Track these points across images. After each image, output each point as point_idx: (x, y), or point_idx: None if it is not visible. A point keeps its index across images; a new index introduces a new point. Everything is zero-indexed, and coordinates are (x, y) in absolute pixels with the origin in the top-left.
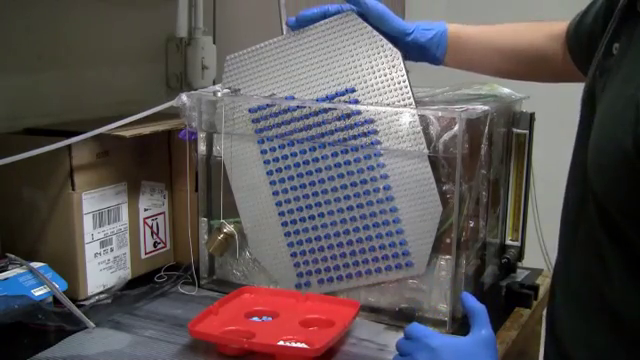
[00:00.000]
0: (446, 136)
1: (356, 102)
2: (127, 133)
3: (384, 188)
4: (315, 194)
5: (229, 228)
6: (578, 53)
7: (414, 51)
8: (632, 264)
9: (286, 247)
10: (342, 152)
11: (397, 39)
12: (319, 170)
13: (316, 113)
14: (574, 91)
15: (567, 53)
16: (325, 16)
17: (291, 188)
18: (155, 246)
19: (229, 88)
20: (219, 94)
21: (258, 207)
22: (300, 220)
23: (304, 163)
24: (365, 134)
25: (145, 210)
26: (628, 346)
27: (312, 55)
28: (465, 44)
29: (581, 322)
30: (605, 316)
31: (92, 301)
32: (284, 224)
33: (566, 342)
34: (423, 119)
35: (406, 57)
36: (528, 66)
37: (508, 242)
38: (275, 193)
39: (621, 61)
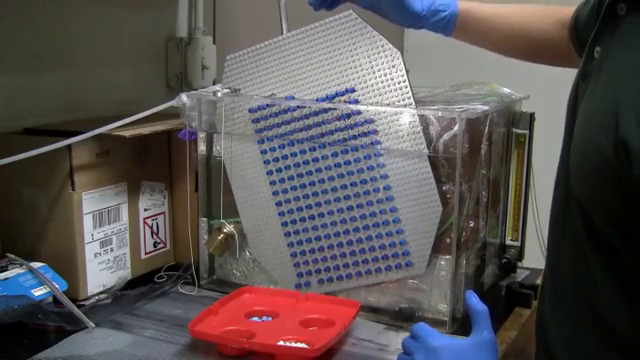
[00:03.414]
0: (446, 136)
1: (356, 102)
2: (127, 133)
3: (384, 188)
4: (315, 194)
5: (229, 228)
6: (577, 44)
7: (422, 27)
8: (617, 271)
9: (286, 247)
10: (342, 152)
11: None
12: (319, 170)
13: (316, 113)
14: None
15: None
16: None
17: (291, 188)
18: (155, 246)
19: (229, 88)
20: (219, 94)
21: (258, 207)
22: (300, 220)
23: (304, 163)
24: (365, 134)
25: (145, 210)
26: (614, 352)
27: (312, 55)
28: (474, 24)
29: (568, 327)
30: (591, 322)
31: (92, 301)
32: (284, 224)
33: (554, 346)
34: (423, 119)
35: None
36: (535, 49)
37: (508, 242)
38: (275, 193)
39: (602, 65)
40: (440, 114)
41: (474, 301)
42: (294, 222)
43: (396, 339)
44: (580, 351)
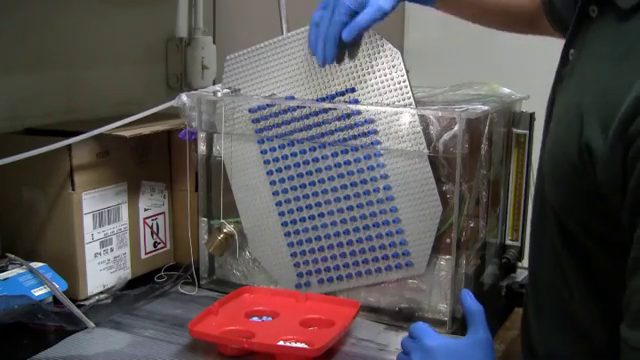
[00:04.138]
0: (446, 136)
1: (356, 102)
2: (127, 133)
3: (384, 188)
4: (315, 194)
5: (229, 228)
6: (551, 18)
7: None
8: (590, 275)
9: (286, 247)
10: (342, 152)
11: None
12: (319, 170)
13: (316, 113)
14: None
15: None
16: None
17: (291, 188)
18: (155, 246)
19: (229, 88)
20: (219, 94)
21: (258, 207)
22: (300, 220)
23: (304, 163)
24: (365, 134)
25: (145, 210)
26: (588, 355)
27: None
28: None
29: (547, 328)
30: (568, 324)
31: (92, 301)
32: (284, 224)
33: (536, 346)
34: (423, 119)
35: None
36: (513, 20)
37: (508, 242)
38: (275, 193)
39: (574, 68)
40: (440, 114)
41: (469, 301)
42: (294, 222)
43: (396, 339)
44: (559, 352)
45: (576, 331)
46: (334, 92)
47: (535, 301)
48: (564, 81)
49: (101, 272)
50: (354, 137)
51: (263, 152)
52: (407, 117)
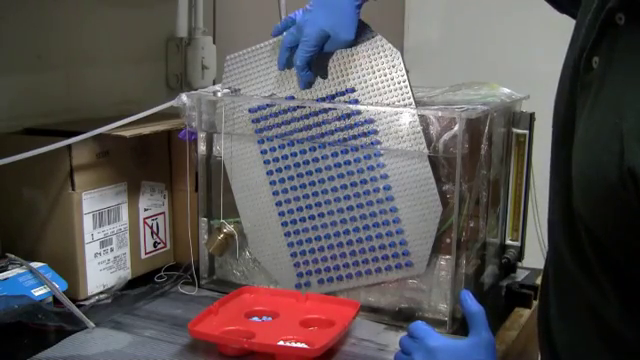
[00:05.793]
0: (446, 136)
1: (356, 102)
2: (127, 133)
3: (384, 188)
4: (315, 194)
5: (229, 228)
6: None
7: None
8: (621, 282)
9: (286, 247)
10: (342, 152)
11: None
12: (319, 170)
13: (316, 113)
14: None
15: None
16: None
17: (291, 188)
18: (155, 246)
19: (229, 88)
20: (219, 94)
21: (258, 207)
22: (300, 220)
23: (304, 163)
24: (365, 134)
25: (145, 210)
26: (619, 355)
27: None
28: None
29: (573, 328)
30: (603, 335)
31: (92, 301)
32: (284, 224)
33: (558, 347)
34: (423, 119)
35: None
36: None
37: (508, 242)
38: (275, 193)
39: (603, 79)
40: (440, 114)
41: (469, 302)
42: (294, 222)
43: (396, 339)
44: (585, 353)
45: (608, 332)
46: (334, 92)
47: (558, 300)
48: (591, 90)
49: (101, 272)
50: (354, 137)
51: (263, 152)
52: (407, 117)
